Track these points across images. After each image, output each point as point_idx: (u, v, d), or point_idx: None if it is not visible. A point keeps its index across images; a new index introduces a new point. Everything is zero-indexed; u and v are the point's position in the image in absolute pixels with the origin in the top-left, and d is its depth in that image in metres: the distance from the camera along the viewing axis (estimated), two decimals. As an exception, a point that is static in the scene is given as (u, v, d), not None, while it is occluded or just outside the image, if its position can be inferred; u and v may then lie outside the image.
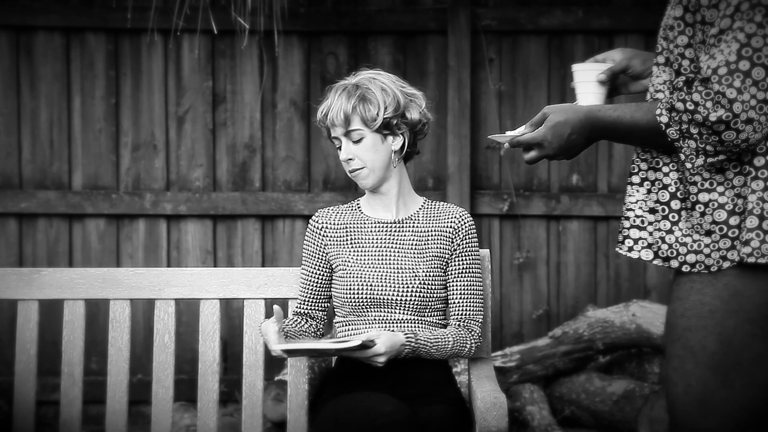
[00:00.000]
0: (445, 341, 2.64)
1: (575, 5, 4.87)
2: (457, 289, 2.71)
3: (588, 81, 2.14)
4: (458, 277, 2.71)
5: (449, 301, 2.73)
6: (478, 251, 2.73)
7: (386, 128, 2.67)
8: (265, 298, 2.85)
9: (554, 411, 4.54)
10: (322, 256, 2.74)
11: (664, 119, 1.88)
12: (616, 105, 2.00)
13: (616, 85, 2.15)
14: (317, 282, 2.76)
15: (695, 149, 1.85)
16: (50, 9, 4.82)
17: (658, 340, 4.37)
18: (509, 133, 2.10)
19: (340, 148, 2.69)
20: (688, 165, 1.87)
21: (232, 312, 4.87)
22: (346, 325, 2.71)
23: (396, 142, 2.69)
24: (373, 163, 2.67)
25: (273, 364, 4.79)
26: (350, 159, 2.66)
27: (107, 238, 4.89)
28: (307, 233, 2.78)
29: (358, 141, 2.66)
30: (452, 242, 2.71)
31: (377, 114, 2.64)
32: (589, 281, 4.94)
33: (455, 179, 4.82)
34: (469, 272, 2.71)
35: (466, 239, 2.71)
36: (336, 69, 4.88)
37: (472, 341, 2.69)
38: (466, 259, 2.71)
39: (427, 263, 2.68)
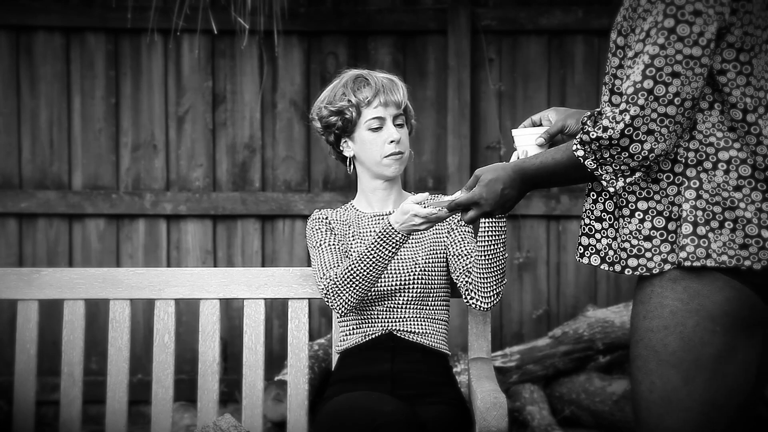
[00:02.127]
0: (506, 249, 2.64)
1: (575, 5, 4.87)
2: (464, 248, 2.68)
3: (528, 144, 2.31)
4: (461, 241, 2.69)
5: (458, 262, 2.67)
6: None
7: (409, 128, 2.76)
8: (265, 298, 2.85)
9: (554, 411, 4.54)
10: (334, 234, 2.71)
11: (580, 152, 2.00)
12: (537, 153, 2.14)
13: (553, 143, 2.29)
14: (343, 248, 2.70)
15: (613, 173, 1.98)
16: (50, 9, 4.82)
17: (658, 340, 4.37)
18: (445, 198, 2.29)
19: (377, 129, 2.67)
20: (611, 189, 2.00)
21: (232, 312, 4.87)
22: (347, 323, 2.71)
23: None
24: (408, 150, 2.72)
25: (273, 364, 4.79)
26: (398, 141, 2.67)
27: (107, 238, 4.89)
28: (311, 224, 2.73)
29: (401, 126, 2.70)
30: (448, 224, 2.71)
31: (409, 111, 2.76)
32: (589, 281, 4.94)
33: (455, 179, 4.82)
34: (470, 234, 2.71)
35: (460, 223, 2.72)
36: (336, 69, 4.87)
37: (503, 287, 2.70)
38: (463, 228, 2.72)
39: (426, 250, 2.68)
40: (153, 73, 4.89)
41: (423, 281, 2.66)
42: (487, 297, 2.61)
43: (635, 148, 1.93)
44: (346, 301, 2.58)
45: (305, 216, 4.84)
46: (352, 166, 2.75)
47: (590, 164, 1.99)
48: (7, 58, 4.85)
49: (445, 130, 4.87)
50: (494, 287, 2.60)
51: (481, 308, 2.63)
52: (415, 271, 2.66)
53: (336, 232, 2.71)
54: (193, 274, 2.86)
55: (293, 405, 2.81)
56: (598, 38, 4.91)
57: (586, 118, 2.00)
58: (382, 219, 2.73)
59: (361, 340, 2.68)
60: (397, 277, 2.65)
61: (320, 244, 2.68)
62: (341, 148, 2.74)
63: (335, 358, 2.78)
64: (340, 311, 2.61)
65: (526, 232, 4.94)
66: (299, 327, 2.82)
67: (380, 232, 2.50)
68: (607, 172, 1.99)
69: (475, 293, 2.62)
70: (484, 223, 2.56)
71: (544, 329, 4.90)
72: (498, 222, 2.56)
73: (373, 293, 2.65)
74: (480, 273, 2.59)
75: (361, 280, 2.56)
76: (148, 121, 4.89)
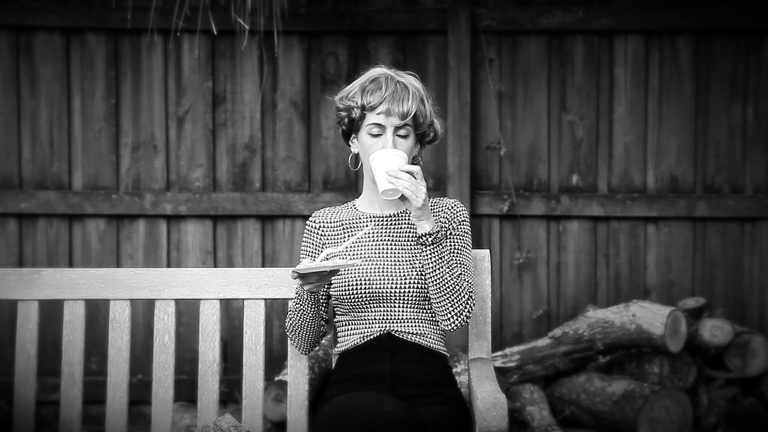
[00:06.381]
0: (456, 268, 2.62)
1: (575, 5, 4.87)
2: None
3: (390, 163, 2.56)
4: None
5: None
6: (469, 238, 2.73)
7: (420, 136, 2.72)
8: (265, 299, 2.85)
9: (554, 411, 4.54)
10: (323, 245, 2.73)
11: None
12: None
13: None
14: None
15: None
16: (50, 9, 4.82)
17: (658, 340, 4.37)
18: (326, 263, 2.48)
19: (376, 135, 2.66)
20: None
21: (232, 312, 4.88)
22: (346, 324, 2.71)
23: (416, 150, 2.73)
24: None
25: (273, 364, 4.79)
26: None
27: (107, 238, 4.89)
28: (304, 235, 2.77)
29: (404, 137, 2.67)
30: (446, 231, 2.71)
31: (424, 120, 2.70)
32: (589, 281, 4.94)
33: (455, 179, 4.82)
34: (460, 253, 2.70)
35: (461, 225, 2.72)
36: (336, 69, 4.88)
37: (468, 305, 2.64)
38: (456, 241, 2.71)
39: None
40: (153, 74, 4.89)
41: (420, 285, 2.66)
42: (444, 319, 2.64)
43: None
44: (298, 346, 2.77)
45: (305, 216, 4.84)
46: (359, 164, 2.75)
47: None
48: (7, 58, 4.85)
49: (445, 130, 4.86)
50: (449, 309, 2.62)
51: (445, 330, 2.67)
52: (413, 274, 2.66)
53: (327, 240, 2.73)
54: (193, 275, 2.86)
55: (293, 405, 2.81)
56: (598, 38, 4.91)
57: None
58: (383, 220, 2.73)
59: (360, 341, 2.68)
60: (395, 280, 2.65)
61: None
62: (350, 143, 2.75)
63: (335, 359, 2.78)
64: (299, 352, 2.79)
65: (526, 232, 4.94)
66: (299, 327, 2.82)
67: (295, 291, 2.68)
68: None
69: (437, 315, 2.66)
70: (422, 251, 2.59)
71: (544, 329, 4.90)
72: (427, 248, 2.58)
73: (369, 296, 2.65)
74: (432, 296, 2.63)
75: (299, 329, 2.72)
76: (148, 122, 4.89)
